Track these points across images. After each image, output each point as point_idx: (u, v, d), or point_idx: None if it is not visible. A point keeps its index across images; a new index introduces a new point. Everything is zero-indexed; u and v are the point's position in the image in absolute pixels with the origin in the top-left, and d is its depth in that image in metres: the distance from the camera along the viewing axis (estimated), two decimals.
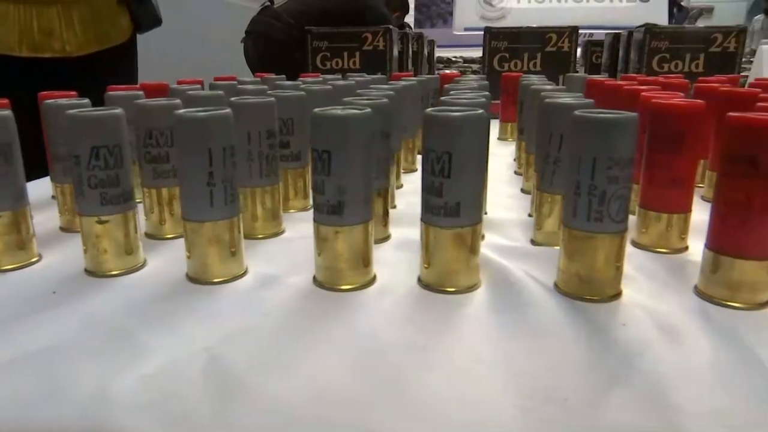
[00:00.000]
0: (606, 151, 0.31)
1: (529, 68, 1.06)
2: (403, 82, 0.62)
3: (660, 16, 1.87)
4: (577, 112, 0.32)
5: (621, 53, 1.23)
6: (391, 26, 1.09)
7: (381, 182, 0.42)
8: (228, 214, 0.36)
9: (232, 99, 0.43)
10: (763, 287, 0.33)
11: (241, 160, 0.43)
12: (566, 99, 0.41)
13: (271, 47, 1.76)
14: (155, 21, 1.05)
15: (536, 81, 0.65)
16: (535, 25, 1.09)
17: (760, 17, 4.10)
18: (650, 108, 0.40)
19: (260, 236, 0.45)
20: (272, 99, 0.43)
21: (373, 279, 0.36)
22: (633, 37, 1.10)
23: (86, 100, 0.48)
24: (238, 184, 0.37)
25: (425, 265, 0.35)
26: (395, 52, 1.16)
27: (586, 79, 0.70)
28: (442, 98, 0.41)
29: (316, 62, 1.11)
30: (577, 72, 1.10)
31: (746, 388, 0.25)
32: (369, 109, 0.34)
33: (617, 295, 0.34)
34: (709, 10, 5.40)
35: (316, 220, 0.35)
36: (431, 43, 1.85)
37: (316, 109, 0.34)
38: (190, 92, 0.51)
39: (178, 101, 0.44)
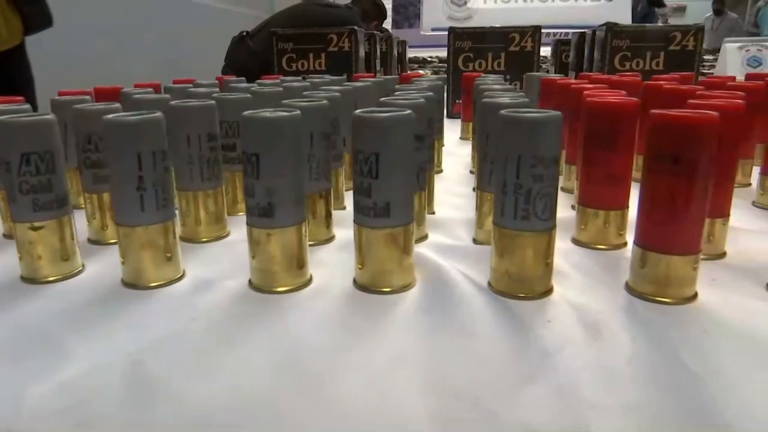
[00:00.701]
0: (530, 150, 0.31)
1: (494, 68, 1.07)
2: (359, 83, 0.62)
3: (623, 15, 1.89)
4: (502, 112, 0.32)
5: (586, 52, 1.24)
6: (356, 27, 1.09)
7: (322, 184, 0.42)
8: (160, 218, 0.35)
9: (172, 102, 0.42)
10: (690, 282, 0.33)
11: (182, 163, 0.43)
12: (503, 99, 0.41)
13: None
14: (48, 21, 1.02)
15: (489, 81, 0.65)
16: (498, 25, 1.09)
17: (710, 16, 4.20)
18: (585, 106, 0.40)
19: (204, 240, 0.44)
20: (212, 102, 0.43)
21: (309, 281, 0.36)
22: (596, 36, 1.11)
23: (27, 106, 0.47)
24: (171, 188, 0.36)
25: (359, 266, 0.35)
26: (362, 53, 1.16)
27: (541, 78, 0.70)
28: (381, 99, 0.41)
29: (282, 64, 1.10)
30: (540, 71, 1.10)
31: (661, 383, 0.26)
32: (298, 111, 0.34)
33: (548, 292, 0.34)
34: (682, 9, 5.47)
35: (248, 223, 0.35)
36: (402, 43, 1.85)
37: (245, 112, 0.33)
38: (135, 96, 0.50)
39: (117, 105, 0.43)
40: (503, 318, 0.31)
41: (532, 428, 0.23)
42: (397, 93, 0.47)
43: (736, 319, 0.31)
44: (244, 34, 1.88)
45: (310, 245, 0.42)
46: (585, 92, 0.47)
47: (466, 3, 2.22)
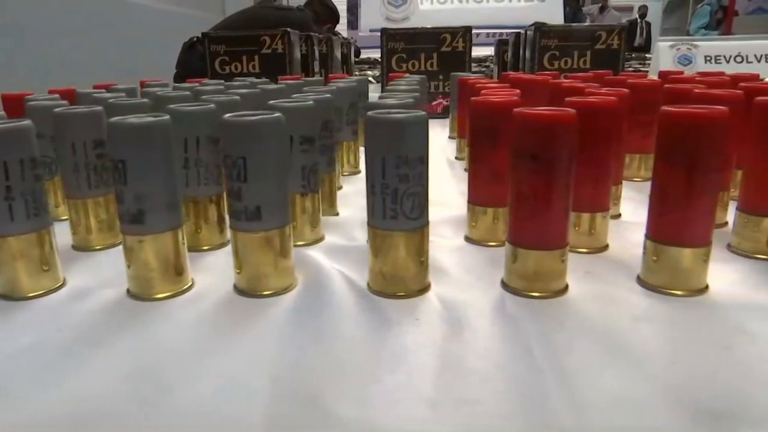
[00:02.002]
0: (393, 150, 0.31)
1: (426, 68, 1.08)
2: (272, 86, 0.62)
3: (556, 15, 1.93)
4: (369, 113, 0.32)
5: (520, 52, 1.26)
6: (289, 29, 1.09)
7: (212, 188, 0.42)
8: (32, 227, 0.35)
9: (56, 110, 0.41)
10: (558, 276, 0.34)
11: (68, 171, 0.42)
12: (389, 100, 0.41)
13: None
14: None
15: (402, 83, 0.65)
16: (430, 26, 1.10)
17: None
18: (470, 106, 0.41)
19: (97, 248, 0.44)
20: (99, 108, 0.42)
21: (190, 287, 0.36)
22: (526, 36, 1.12)
23: None
24: (45, 196, 0.35)
25: (237, 270, 0.35)
26: (297, 55, 1.15)
27: (457, 78, 0.71)
28: (269, 102, 0.41)
29: (215, 66, 1.09)
30: (477, 70, 1.11)
31: (504, 378, 0.26)
32: (167, 116, 0.34)
33: (424, 290, 0.35)
34: (629, 9, 5.60)
35: (121, 230, 0.34)
36: (348, 44, 1.85)
37: (112, 119, 0.33)
38: (30, 104, 0.49)
39: (1, 113, 0.42)
40: (371, 318, 0.32)
41: (371, 427, 0.23)
42: (293, 96, 0.47)
43: (597, 311, 0.32)
44: (195, 39, 1.85)
45: (204, 249, 0.42)
46: (481, 91, 0.48)
47: (403, 4, 2.23)
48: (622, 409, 0.24)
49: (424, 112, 0.32)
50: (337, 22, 2.49)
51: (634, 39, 5.00)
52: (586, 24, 1.22)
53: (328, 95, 0.47)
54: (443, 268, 0.38)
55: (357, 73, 2.18)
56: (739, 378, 0.26)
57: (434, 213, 0.49)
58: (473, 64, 2.40)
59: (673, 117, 0.32)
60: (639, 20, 5.36)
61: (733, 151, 0.44)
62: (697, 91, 0.44)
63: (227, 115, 0.33)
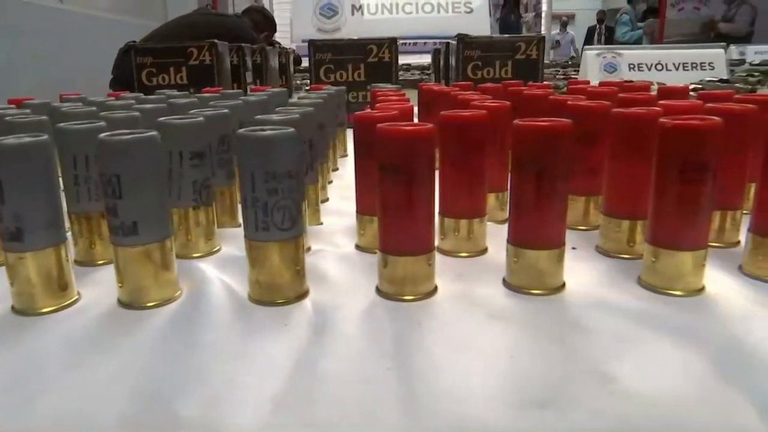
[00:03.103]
0: (261, 166, 0.33)
1: (354, 78, 1.10)
2: (184, 100, 0.63)
3: (483, 26, 2.00)
4: (239, 131, 0.34)
5: (450, 61, 1.29)
6: (216, 41, 1.10)
7: (103, 204, 0.43)
8: None
9: None
10: (426, 279, 0.36)
11: None
12: (274, 116, 0.43)
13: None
14: None
15: (313, 95, 0.67)
16: (356, 37, 1.12)
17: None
18: (353, 119, 0.43)
19: None
20: None
21: (75, 301, 0.37)
22: (451, 46, 1.16)
23: None
24: None
25: (119, 284, 0.36)
26: (226, 66, 1.16)
27: (372, 90, 0.73)
28: (159, 119, 0.42)
29: (141, 78, 1.09)
30: (421, 79, 1.14)
31: (351, 379, 0.28)
32: (45, 136, 0.35)
33: (302, 296, 0.36)
34: (571, 16, 5.78)
35: (2, 248, 0.35)
36: (286, 54, 1.86)
37: None
38: None
39: None
40: (243, 325, 0.33)
41: (214, 426, 0.25)
42: (192, 111, 0.48)
43: (456, 311, 0.34)
44: (132, 43, 1.83)
45: (99, 264, 0.43)
46: (378, 102, 0.50)
47: (334, 15, 2.26)
48: (457, 401, 0.26)
49: (292, 129, 0.34)
50: (275, 31, 2.50)
51: (592, 44, 5.15)
52: (506, 36, 1.26)
53: (225, 111, 0.49)
54: (326, 276, 0.40)
55: (298, 81, 2.19)
56: (565, 369, 0.29)
57: (333, 222, 0.51)
58: (417, 72, 2.45)
59: (521, 129, 0.35)
60: (598, 26, 5.48)
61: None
62: (570, 103, 0.47)
63: (102, 134, 0.34)
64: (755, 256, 0.38)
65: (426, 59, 2.20)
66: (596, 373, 0.28)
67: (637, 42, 4.12)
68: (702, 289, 0.36)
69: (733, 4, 3.82)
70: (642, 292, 0.36)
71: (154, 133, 0.35)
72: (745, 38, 3.44)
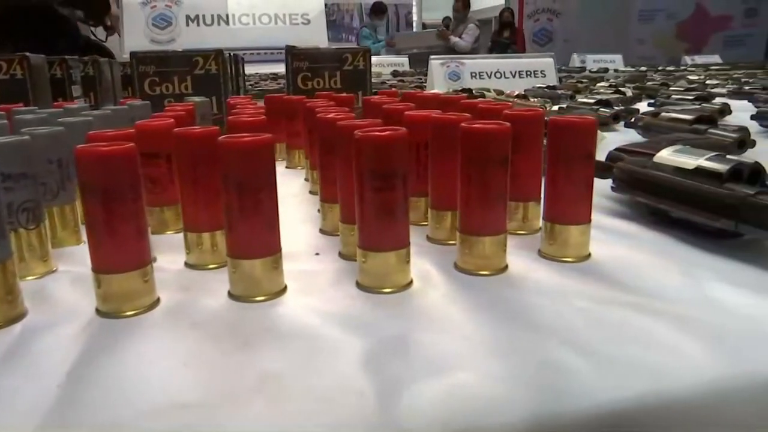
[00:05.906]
0: None
1: (181, 91, 1.10)
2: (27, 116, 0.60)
3: (319, 37, 2.09)
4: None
5: None
6: (67, 57, 1.05)
7: None
8: None
9: None
10: (144, 294, 0.37)
11: None
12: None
13: None
14: None
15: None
16: (181, 50, 1.13)
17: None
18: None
19: None
20: None
21: None
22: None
23: None
24: None
25: None
26: (43, 81, 1.11)
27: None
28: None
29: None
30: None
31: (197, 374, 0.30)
32: None
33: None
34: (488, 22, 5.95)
35: None
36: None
37: None
38: None
39: None
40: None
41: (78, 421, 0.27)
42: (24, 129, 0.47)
43: (291, 313, 0.36)
44: None
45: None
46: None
47: (168, 26, 2.23)
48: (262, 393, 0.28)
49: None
50: (107, 10, 2.09)
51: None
52: (333, 48, 1.32)
53: (54, 129, 0.49)
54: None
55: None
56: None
57: None
58: (274, 83, 2.46)
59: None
60: None
61: None
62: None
63: None
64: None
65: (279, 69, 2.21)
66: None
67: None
68: None
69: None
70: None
71: None
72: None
